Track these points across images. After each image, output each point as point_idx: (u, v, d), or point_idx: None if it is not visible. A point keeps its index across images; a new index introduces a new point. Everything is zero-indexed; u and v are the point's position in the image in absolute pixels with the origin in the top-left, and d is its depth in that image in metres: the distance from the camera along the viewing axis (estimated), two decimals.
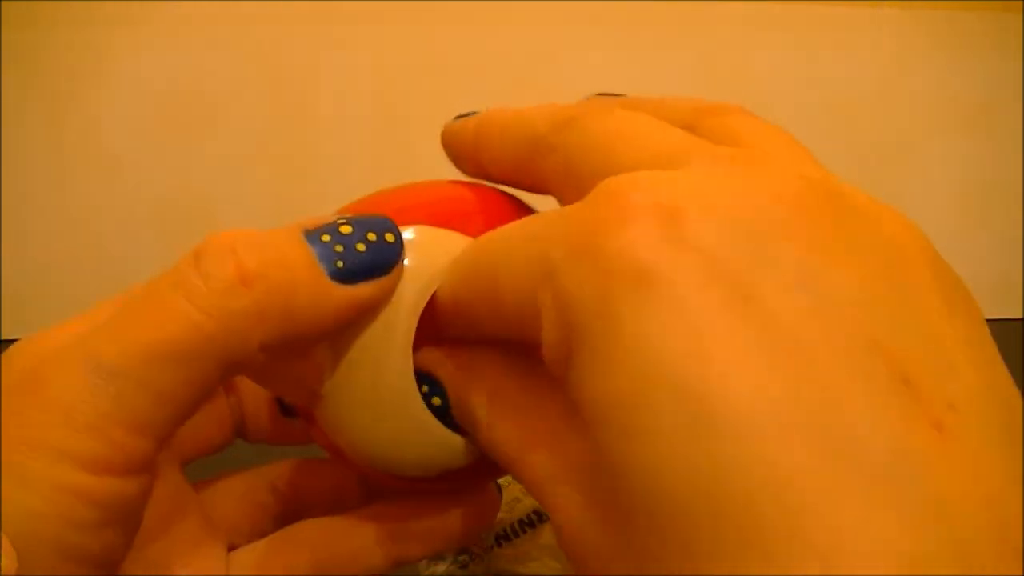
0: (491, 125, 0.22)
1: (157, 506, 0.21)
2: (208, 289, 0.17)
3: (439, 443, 0.20)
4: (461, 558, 0.37)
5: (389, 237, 0.19)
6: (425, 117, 0.61)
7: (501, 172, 0.22)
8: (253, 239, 0.18)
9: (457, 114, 0.23)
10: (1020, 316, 0.62)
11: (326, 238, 0.19)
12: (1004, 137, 0.64)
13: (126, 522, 0.18)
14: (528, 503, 0.37)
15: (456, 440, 0.20)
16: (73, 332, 0.18)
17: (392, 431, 0.20)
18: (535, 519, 0.37)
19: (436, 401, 0.20)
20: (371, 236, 0.19)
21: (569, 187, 0.19)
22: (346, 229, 0.19)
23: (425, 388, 0.20)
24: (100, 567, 0.17)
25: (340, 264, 0.18)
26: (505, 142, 0.21)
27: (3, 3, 0.54)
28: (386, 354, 0.20)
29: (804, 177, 0.15)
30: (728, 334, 0.13)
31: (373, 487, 0.24)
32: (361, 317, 0.19)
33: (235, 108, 0.57)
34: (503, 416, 0.19)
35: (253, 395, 0.24)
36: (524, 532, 0.37)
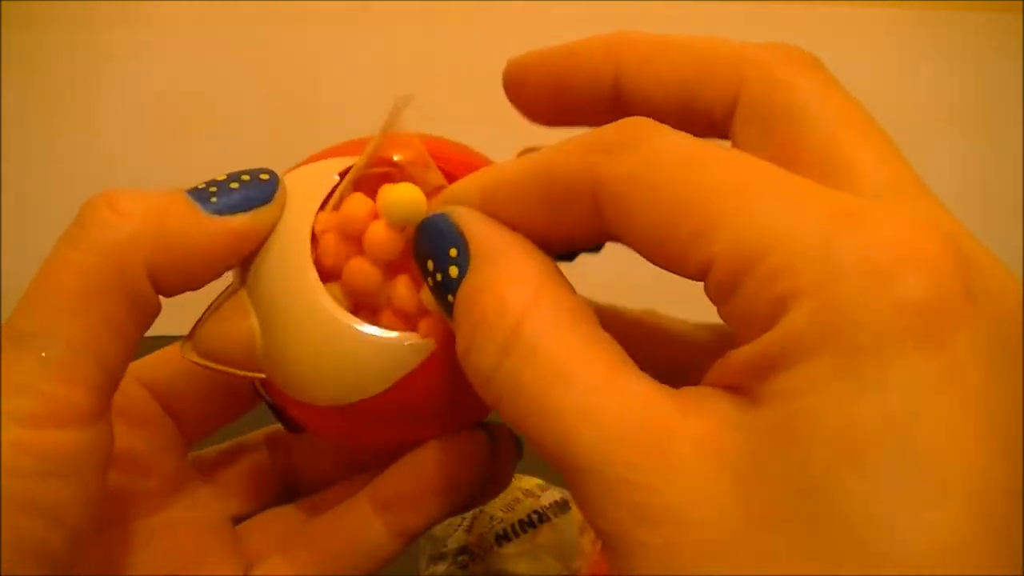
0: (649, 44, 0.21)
1: (185, 532, 0.22)
2: (86, 232, 0.19)
3: (381, 347, 0.20)
4: (461, 558, 0.37)
5: (263, 176, 0.21)
6: (425, 117, 0.61)
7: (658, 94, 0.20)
8: (131, 190, 0.20)
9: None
10: None
11: (201, 186, 0.20)
12: (1004, 137, 0.64)
13: (76, 473, 0.18)
14: (528, 503, 0.37)
15: (397, 340, 0.20)
16: None
17: (326, 359, 0.20)
18: (535, 519, 0.37)
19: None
20: (244, 177, 0.21)
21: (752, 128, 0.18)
22: (221, 177, 0.21)
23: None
24: (55, 520, 0.18)
25: (213, 200, 0.20)
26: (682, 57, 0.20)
27: (3, 3, 0.54)
28: (294, 283, 0.20)
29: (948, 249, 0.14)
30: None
31: (360, 454, 0.24)
32: (266, 259, 0.20)
33: (235, 108, 0.57)
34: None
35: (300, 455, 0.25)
36: (524, 532, 0.37)
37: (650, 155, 0.15)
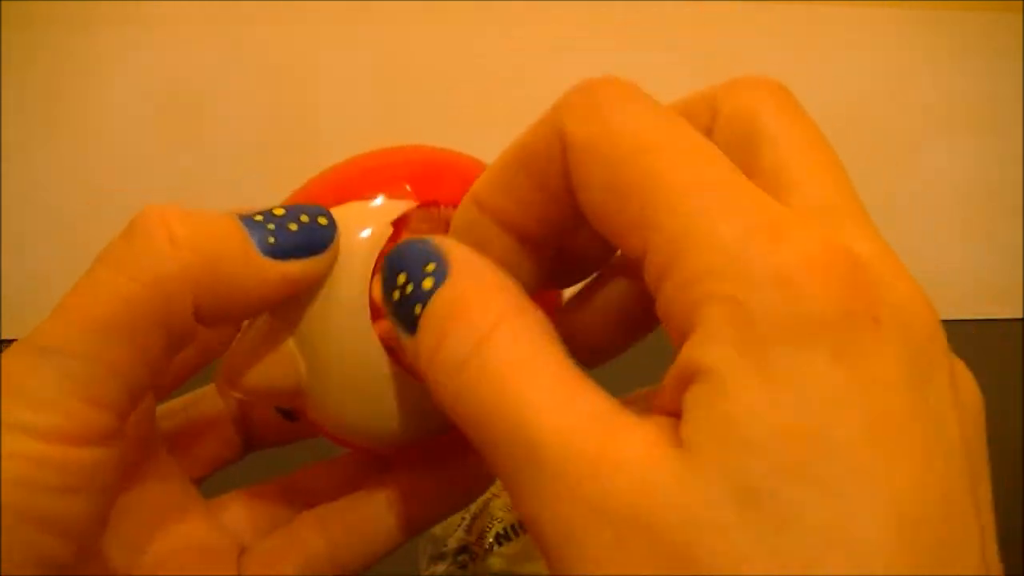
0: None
1: (162, 514, 0.22)
2: (137, 256, 0.18)
3: (423, 402, 0.20)
4: (461, 558, 0.37)
5: (322, 220, 0.20)
6: (425, 117, 0.61)
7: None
8: (186, 212, 0.19)
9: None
10: (1020, 316, 0.62)
11: (259, 218, 0.20)
12: (1005, 137, 0.64)
13: (91, 490, 0.18)
14: None
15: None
16: None
17: (375, 402, 0.21)
18: None
19: None
20: (303, 218, 0.20)
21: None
22: (279, 211, 0.20)
23: None
24: (67, 535, 0.18)
25: (271, 240, 0.19)
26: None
27: (3, 3, 0.54)
28: (348, 328, 0.20)
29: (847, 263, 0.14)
30: None
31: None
32: (315, 300, 0.20)
33: (235, 108, 0.57)
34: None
35: (259, 409, 0.25)
36: (524, 532, 0.37)
37: (609, 126, 0.16)
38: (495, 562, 0.36)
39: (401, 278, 0.18)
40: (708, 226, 0.15)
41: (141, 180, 0.56)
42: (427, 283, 0.18)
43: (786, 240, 0.14)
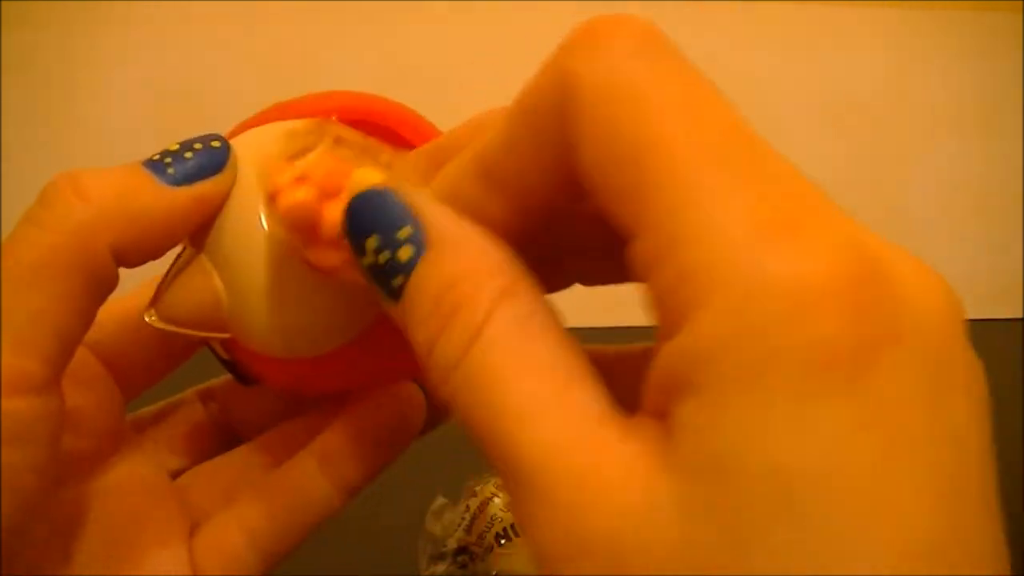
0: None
1: (133, 507, 0.23)
2: (49, 212, 0.20)
3: (348, 296, 0.21)
4: (461, 558, 0.37)
5: (215, 144, 0.22)
6: (425, 116, 0.61)
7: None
8: (92, 169, 0.21)
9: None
10: (1020, 316, 0.62)
11: (156, 157, 0.21)
12: (1005, 137, 0.64)
13: (30, 441, 0.19)
14: None
15: (353, 295, 0.21)
16: None
17: (292, 309, 0.21)
18: None
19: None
20: (197, 146, 0.22)
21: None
22: (174, 147, 0.21)
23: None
24: (8, 488, 0.18)
25: (170, 171, 0.21)
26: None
27: (3, 3, 0.54)
28: (251, 239, 0.21)
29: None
30: None
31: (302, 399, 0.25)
32: (223, 220, 0.21)
33: (235, 108, 0.57)
34: None
35: (237, 412, 0.26)
36: None
37: (615, 72, 0.14)
38: (495, 562, 0.36)
39: (371, 242, 0.17)
40: (714, 212, 0.13)
41: None
42: (404, 252, 0.16)
43: (802, 238, 0.12)
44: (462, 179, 0.17)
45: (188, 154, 0.21)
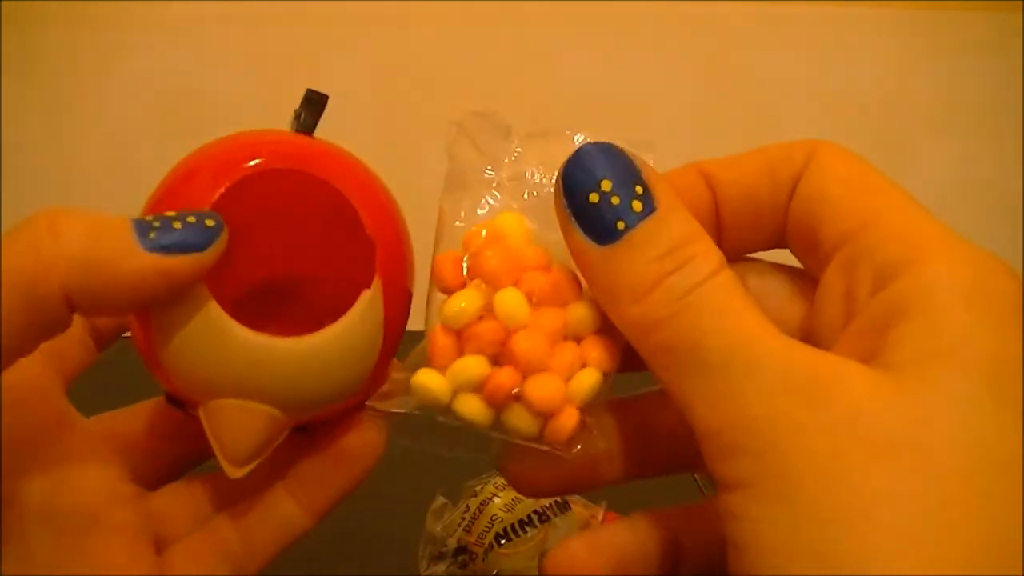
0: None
1: (88, 504, 0.23)
2: (15, 238, 0.20)
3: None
4: (461, 558, 0.37)
5: (209, 222, 0.21)
6: (425, 117, 0.61)
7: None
8: (77, 210, 0.20)
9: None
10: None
11: (147, 218, 0.21)
12: (1005, 137, 0.64)
13: None
14: (528, 503, 0.37)
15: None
16: None
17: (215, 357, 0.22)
18: (535, 519, 0.37)
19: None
20: (190, 219, 0.21)
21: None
22: (171, 213, 0.21)
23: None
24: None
25: (152, 235, 0.20)
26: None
27: (3, 3, 0.54)
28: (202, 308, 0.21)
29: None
30: None
31: None
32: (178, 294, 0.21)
33: (235, 108, 0.57)
34: None
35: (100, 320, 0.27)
36: (524, 532, 0.37)
37: (855, 156, 0.20)
38: (495, 562, 0.36)
39: (606, 184, 0.19)
40: (928, 218, 0.19)
41: (141, 180, 0.56)
42: (636, 205, 0.19)
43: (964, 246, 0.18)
44: (689, 175, 0.22)
45: (177, 224, 0.21)
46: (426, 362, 0.21)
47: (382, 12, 0.58)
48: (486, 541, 0.36)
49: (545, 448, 0.20)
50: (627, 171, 0.19)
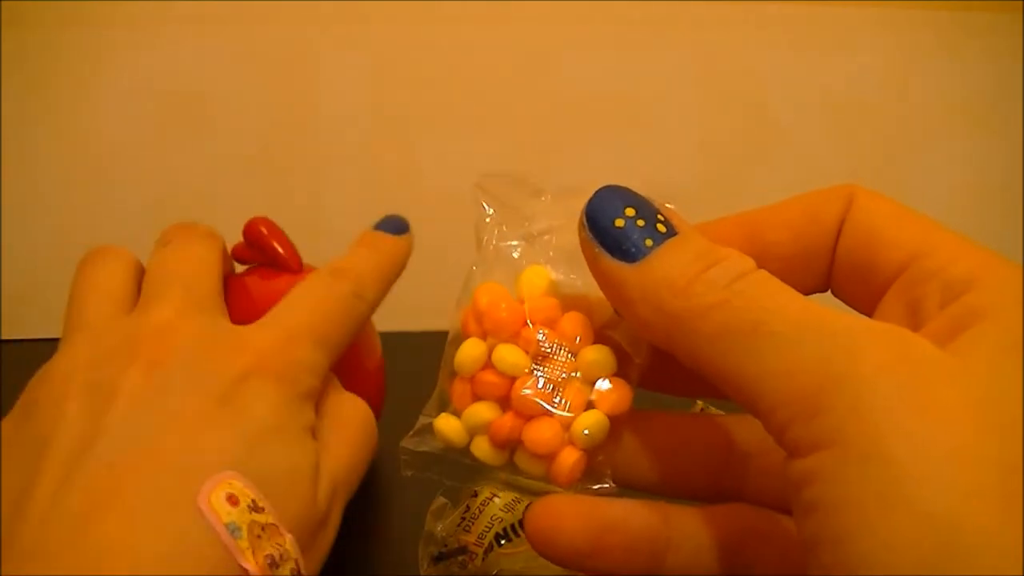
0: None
1: None
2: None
3: None
4: (461, 558, 0.37)
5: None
6: (425, 117, 0.61)
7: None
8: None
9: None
10: None
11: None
12: (1005, 137, 0.64)
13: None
14: (529, 503, 0.37)
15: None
16: None
17: None
18: None
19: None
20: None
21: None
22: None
23: None
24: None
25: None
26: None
27: (3, 3, 0.54)
28: None
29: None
30: None
31: None
32: None
33: (235, 108, 0.57)
34: None
35: None
36: (524, 532, 0.37)
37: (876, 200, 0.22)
38: (495, 562, 0.36)
39: (630, 211, 0.21)
40: (976, 245, 0.20)
41: (141, 180, 0.56)
42: (661, 228, 0.20)
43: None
44: (724, 225, 0.23)
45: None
46: (444, 407, 0.23)
47: (382, 12, 0.58)
48: (486, 541, 0.36)
49: (551, 488, 0.22)
50: (647, 204, 0.21)
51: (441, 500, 0.38)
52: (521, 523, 0.37)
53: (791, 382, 0.18)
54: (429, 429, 0.23)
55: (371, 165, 0.57)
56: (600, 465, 0.22)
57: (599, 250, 0.21)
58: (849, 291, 0.23)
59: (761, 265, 0.22)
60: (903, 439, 0.16)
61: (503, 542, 0.36)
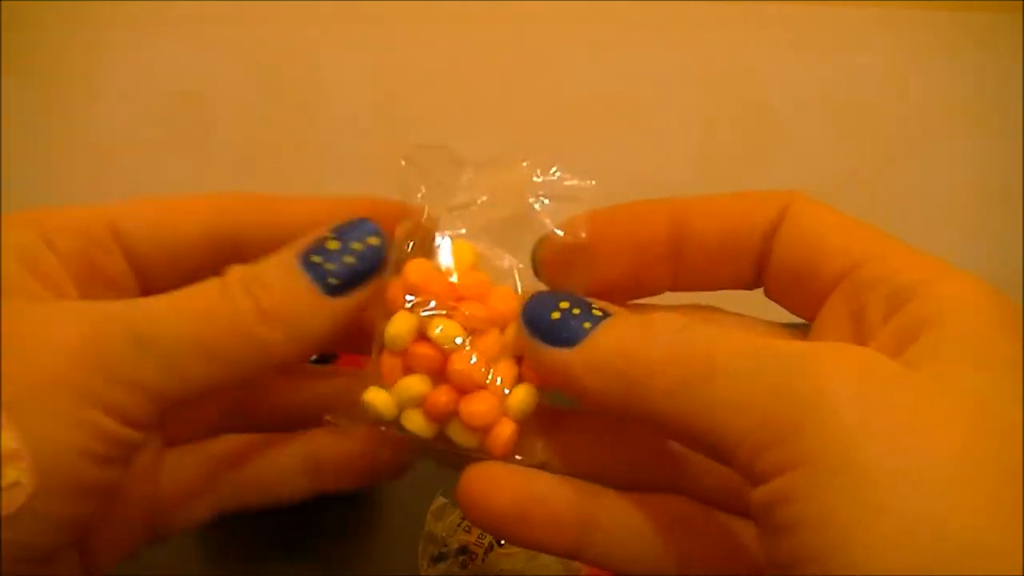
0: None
1: None
2: (235, 313, 0.21)
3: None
4: (461, 558, 0.37)
5: (373, 240, 0.22)
6: (425, 117, 0.61)
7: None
8: (261, 279, 0.21)
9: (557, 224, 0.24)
10: (1020, 315, 0.61)
11: (316, 259, 0.21)
12: (1005, 137, 0.64)
13: (124, 463, 0.21)
14: None
15: None
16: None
17: None
18: None
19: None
20: (356, 246, 0.22)
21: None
22: (333, 245, 0.22)
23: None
24: (96, 500, 0.20)
25: (334, 281, 0.21)
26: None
27: (3, 3, 0.54)
28: None
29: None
30: None
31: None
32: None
33: (234, 108, 0.57)
34: None
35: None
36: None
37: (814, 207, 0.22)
38: (495, 562, 0.36)
39: (564, 304, 0.21)
40: (902, 247, 0.21)
41: (140, 179, 0.56)
42: (596, 312, 0.21)
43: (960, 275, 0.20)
44: (652, 205, 0.23)
45: (348, 258, 0.22)
46: (374, 380, 0.23)
47: (382, 12, 0.58)
48: (486, 541, 0.36)
49: (486, 458, 0.22)
50: (579, 297, 0.22)
51: (441, 500, 0.38)
52: None
53: (753, 413, 0.18)
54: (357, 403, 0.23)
55: (371, 165, 0.57)
56: (530, 440, 0.23)
57: (539, 344, 0.21)
58: (785, 295, 0.23)
59: (685, 252, 0.23)
60: (873, 450, 0.16)
61: (503, 542, 0.36)
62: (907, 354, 0.18)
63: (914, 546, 0.15)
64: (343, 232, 0.22)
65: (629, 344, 0.20)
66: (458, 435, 0.23)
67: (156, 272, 0.23)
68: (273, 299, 0.21)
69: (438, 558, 0.37)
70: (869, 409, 0.16)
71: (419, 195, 0.24)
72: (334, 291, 0.21)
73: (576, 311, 0.21)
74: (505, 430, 0.22)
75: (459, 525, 0.37)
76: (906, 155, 0.63)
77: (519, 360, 0.23)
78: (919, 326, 0.18)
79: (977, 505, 0.16)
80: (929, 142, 0.64)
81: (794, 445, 0.17)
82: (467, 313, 0.23)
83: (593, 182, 0.22)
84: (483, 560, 0.36)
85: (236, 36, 0.57)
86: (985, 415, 0.17)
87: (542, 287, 0.24)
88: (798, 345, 0.18)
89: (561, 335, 0.21)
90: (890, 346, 0.19)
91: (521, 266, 0.24)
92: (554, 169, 0.24)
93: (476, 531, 0.37)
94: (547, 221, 0.24)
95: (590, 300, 0.22)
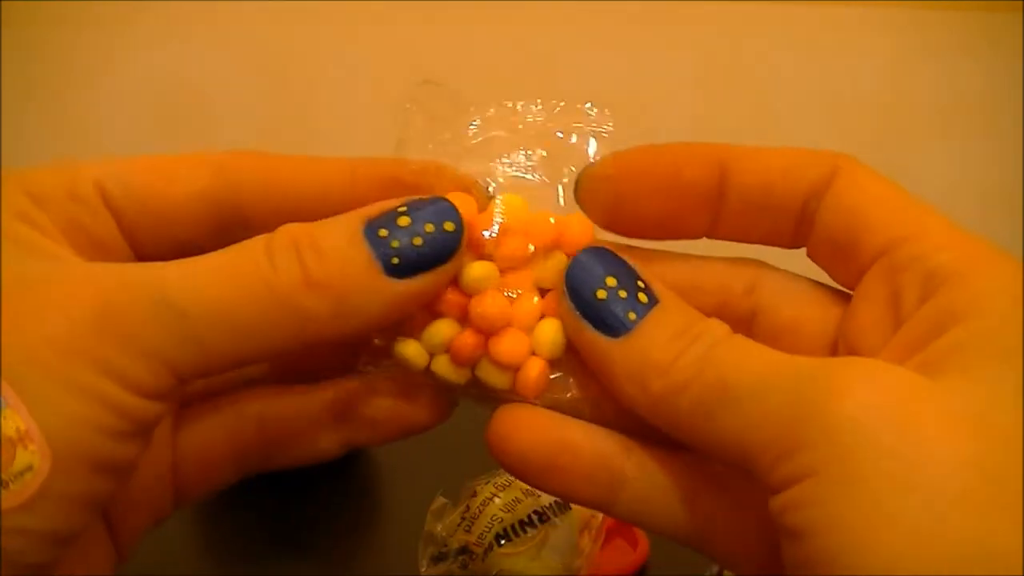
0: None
1: None
2: (277, 280, 0.19)
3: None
4: (461, 558, 0.37)
5: (448, 226, 0.20)
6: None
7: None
8: (317, 243, 0.19)
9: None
10: None
11: (384, 233, 0.19)
12: (1005, 137, 0.64)
13: (144, 438, 0.19)
14: (528, 503, 0.37)
15: None
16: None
17: None
18: (535, 519, 0.37)
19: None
20: (428, 228, 0.20)
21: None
22: (404, 221, 0.20)
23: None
24: (117, 478, 0.19)
25: (396, 260, 0.19)
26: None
27: (3, 3, 0.54)
28: None
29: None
30: None
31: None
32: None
33: (234, 107, 0.57)
34: None
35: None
36: (524, 532, 0.37)
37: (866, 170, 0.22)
38: (495, 562, 0.36)
39: (611, 281, 0.20)
40: (944, 222, 0.21)
41: None
42: (642, 297, 0.20)
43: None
44: (698, 149, 0.22)
45: (417, 240, 0.20)
46: (400, 330, 0.22)
47: (382, 12, 0.58)
48: (486, 541, 0.36)
49: (518, 399, 0.22)
50: (627, 269, 0.21)
51: (441, 500, 0.38)
52: (521, 523, 0.37)
53: (767, 427, 0.18)
54: (384, 353, 0.22)
55: None
56: (563, 380, 0.22)
57: (581, 321, 0.21)
58: (827, 262, 0.22)
59: (725, 201, 0.22)
60: (880, 458, 0.16)
61: (503, 542, 0.36)
62: (931, 348, 0.18)
63: (917, 554, 0.16)
64: (417, 209, 0.20)
65: (665, 359, 0.20)
66: (489, 375, 0.22)
67: (147, 238, 0.22)
68: (327, 268, 0.19)
69: (438, 558, 0.37)
70: (879, 421, 0.17)
71: (429, 146, 0.23)
72: (394, 272, 0.19)
73: (622, 293, 0.20)
74: (535, 367, 0.22)
75: (459, 525, 0.37)
76: (906, 154, 0.64)
77: (544, 293, 0.22)
78: (948, 319, 0.18)
79: (977, 510, 0.16)
80: (929, 142, 0.64)
81: (805, 456, 0.17)
82: (515, 253, 0.22)
83: (610, 125, 0.22)
84: (483, 560, 0.36)
85: (236, 36, 0.57)
86: (997, 425, 0.17)
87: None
88: (810, 361, 0.18)
89: (605, 321, 0.20)
90: (919, 333, 0.19)
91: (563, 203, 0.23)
92: (588, 104, 0.24)
93: (476, 531, 0.37)
94: (589, 151, 0.23)
95: (637, 273, 0.21)
